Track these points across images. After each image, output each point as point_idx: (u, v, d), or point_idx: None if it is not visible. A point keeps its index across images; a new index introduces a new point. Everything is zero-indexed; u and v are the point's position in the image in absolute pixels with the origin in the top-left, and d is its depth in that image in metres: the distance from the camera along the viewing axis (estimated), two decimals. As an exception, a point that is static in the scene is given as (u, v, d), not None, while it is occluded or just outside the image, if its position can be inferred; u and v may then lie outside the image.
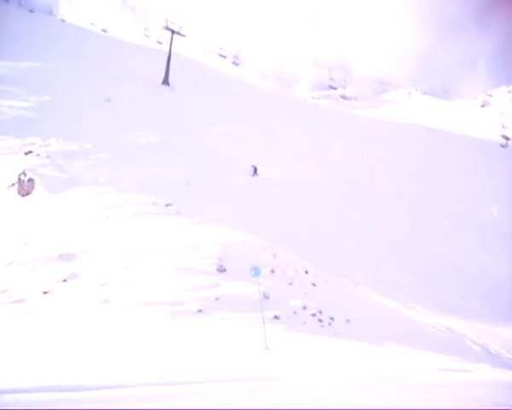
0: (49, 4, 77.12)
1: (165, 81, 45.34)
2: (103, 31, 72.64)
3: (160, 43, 67.40)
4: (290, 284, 14.95)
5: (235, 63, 62.00)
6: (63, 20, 71.61)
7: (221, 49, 59.27)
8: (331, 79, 67.29)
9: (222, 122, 34.93)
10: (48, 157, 23.76)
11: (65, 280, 13.63)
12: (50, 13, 75.61)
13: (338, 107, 60.38)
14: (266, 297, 13.29)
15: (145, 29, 70.37)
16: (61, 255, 14.74)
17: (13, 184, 20.69)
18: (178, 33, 48.63)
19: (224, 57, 59.34)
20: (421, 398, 6.94)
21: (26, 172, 20.46)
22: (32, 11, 71.22)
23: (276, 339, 11.12)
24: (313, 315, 13.56)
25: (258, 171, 28.49)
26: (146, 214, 17.51)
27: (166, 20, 48.61)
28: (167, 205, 18.96)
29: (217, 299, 13.06)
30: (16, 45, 49.21)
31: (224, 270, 14.30)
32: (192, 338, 10.86)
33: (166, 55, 46.73)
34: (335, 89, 69.60)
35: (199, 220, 17.69)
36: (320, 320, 13.49)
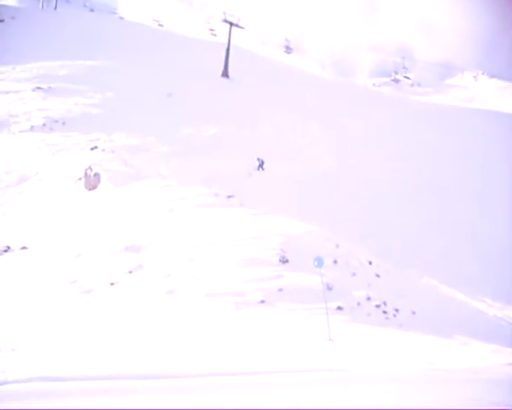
0: (108, 3, 79.14)
1: (225, 74, 45.52)
2: (160, 25, 73.78)
3: (214, 35, 67.85)
4: (353, 274, 14.75)
5: (288, 51, 61.71)
6: (122, 18, 73.26)
7: (286, 40, 59.08)
8: (393, 65, 65.76)
9: (281, 112, 34.75)
10: (112, 152, 24.35)
11: (131, 272, 13.94)
12: (110, 11, 77.57)
13: (400, 93, 58.93)
14: (329, 288, 13.15)
15: (205, 22, 71.02)
16: (126, 247, 15.10)
17: (80, 179, 21.33)
18: (237, 25, 48.73)
19: (289, 50, 59.18)
20: (488, 393, 6.66)
21: (92, 166, 21.05)
22: (92, 10, 73.38)
23: (339, 330, 11.00)
24: (377, 306, 13.33)
25: (264, 165, 26.44)
26: (208, 206, 17.68)
27: (225, 13, 48.80)
28: (229, 197, 19.07)
29: (280, 290, 13.03)
30: (81, 45, 50.68)
31: (287, 261, 14.25)
32: (255, 329, 10.89)
33: (225, 48, 46.93)
34: (397, 75, 68.05)
35: (261, 211, 17.68)
36: (384, 312, 13.25)
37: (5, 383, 6.85)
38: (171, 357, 8.58)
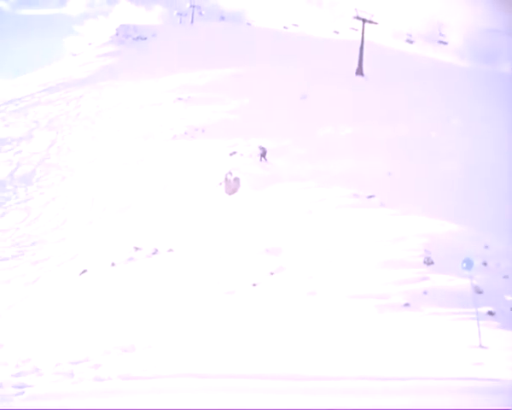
0: (237, 11, 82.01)
1: (359, 72, 44.85)
2: (287, 29, 74.51)
3: (336, 32, 67.06)
4: (505, 277, 13.76)
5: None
6: (249, 24, 75.18)
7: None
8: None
9: (418, 109, 33.51)
10: (250, 156, 25.02)
11: (272, 273, 14.12)
12: (239, 19, 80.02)
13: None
14: (479, 292, 12.34)
15: (334, 22, 70.82)
16: (267, 249, 15.33)
17: (220, 184, 22.15)
18: (370, 21, 47.78)
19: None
20: None
21: (231, 171, 21.77)
22: (222, 19, 76.36)
23: (491, 337, 10.27)
24: (533, 312, 12.31)
25: (267, 156, 24.20)
26: (348, 207, 17.46)
27: (357, 10, 48.04)
28: (369, 197, 18.71)
29: (425, 292, 12.48)
30: (215, 54, 52.79)
31: (432, 262, 13.63)
32: (400, 332, 10.51)
33: (358, 46, 46.21)
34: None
35: (403, 211, 17.12)
36: (542, 318, 12.20)
37: (149, 378, 7.22)
38: (314, 358, 8.52)
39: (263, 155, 24.59)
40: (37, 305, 14.97)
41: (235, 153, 25.84)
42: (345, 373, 7.60)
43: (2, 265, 19.28)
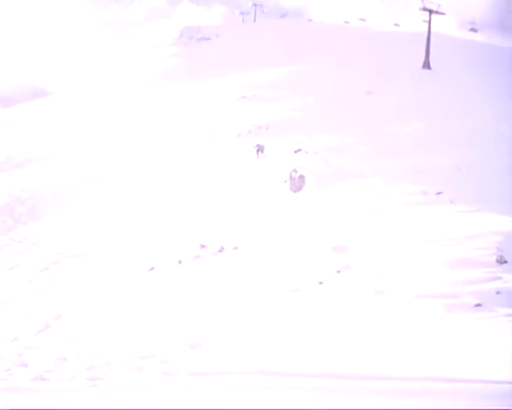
0: (298, 7, 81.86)
1: (426, 64, 43.72)
2: (347, 23, 73.56)
3: (396, 25, 65.50)
4: None
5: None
6: (310, 20, 74.71)
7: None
8: None
9: (487, 102, 32.33)
10: (315, 153, 24.91)
11: (338, 271, 14.03)
12: (301, 15, 79.89)
13: None
14: (557, 293, 11.83)
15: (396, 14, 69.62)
16: (333, 247, 15.25)
17: (285, 182, 22.18)
18: (437, 12, 46.43)
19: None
20: None
21: (296, 169, 21.76)
22: (284, 16, 76.44)
23: None
24: None
25: (264, 151, 25.37)
26: (416, 204, 17.10)
27: (423, 1, 46.75)
28: (438, 193, 18.25)
29: (498, 292, 12.05)
30: (278, 51, 52.85)
31: (505, 261, 13.14)
32: (470, 333, 10.23)
33: (425, 37, 45.00)
34: None
35: (474, 208, 16.60)
36: None
37: (217, 374, 7.33)
38: (382, 357, 8.45)
39: (260, 150, 26.24)
40: (107, 301, 15.47)
41: (299, 150, 25.80)
42: (411, 374, 7.50)
43: (73, 261, 20.07)
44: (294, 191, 21.21)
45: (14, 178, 31.39)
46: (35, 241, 22.80)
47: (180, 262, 17.46)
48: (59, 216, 25.19)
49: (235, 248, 17.64)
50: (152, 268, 17.61)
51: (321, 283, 13.70)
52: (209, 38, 70.80)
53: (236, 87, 43.96)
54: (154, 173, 28.84)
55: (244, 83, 44.85)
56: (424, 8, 46.63)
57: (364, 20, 74.70)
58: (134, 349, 9.68)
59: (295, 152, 25.65)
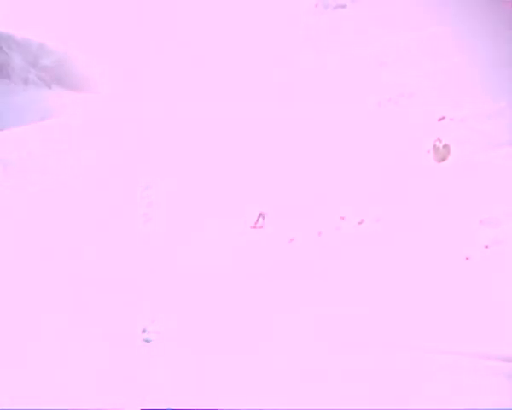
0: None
1: None
2: None
3: None
4: None
5: None
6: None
7: None
8: None
9: None
10: (461, 121, 23.54)
11: (487, 246, 13.33)
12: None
13: None
14: None
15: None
16: (481, 221, 14.47)
17: (428, 152, 21.24)
18: None
19: None
20: None
21: (440, 138, 20.74)
22: None
23: None
24: None
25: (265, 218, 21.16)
26: None
27: None
28: None
29: None
30: (425, 12, 50.26)
31: None
32: None
33: None
34: None
35: None
36: None
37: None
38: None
39: (262, 217, 21.69)
40: (248, 274, 16.01)
41: (443, 118, 24.50)
42: None
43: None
44: (438, 161, 20.27)
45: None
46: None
47: (320, 234, 17.54)
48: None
49: (377, 220, 17.36)
50: (291, 240, 17.88)
51: (467, 258, 13.12)
52: (345, 6, 69.19)
53: (375, 53, 42.69)
54: (290, 142, 29.04)
55: (383, 49, 43.42)
56: None
57: None
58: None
59: (439, 120, 24.39)
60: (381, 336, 8.16)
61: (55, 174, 33.15)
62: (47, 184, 32.30)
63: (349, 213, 18.13)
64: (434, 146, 20.78)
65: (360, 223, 17.44)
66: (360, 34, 50.98)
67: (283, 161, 26.78)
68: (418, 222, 16.09)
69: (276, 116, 33.90)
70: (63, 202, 28.48)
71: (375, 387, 6.54)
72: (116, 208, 24.69)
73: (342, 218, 17.93)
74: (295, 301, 12.09)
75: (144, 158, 31.85)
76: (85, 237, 21.48)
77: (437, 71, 33.45)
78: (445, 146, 20.33)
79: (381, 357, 7.18)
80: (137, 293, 14.74)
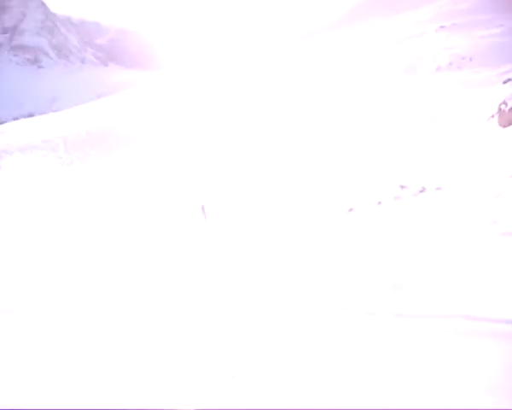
0: None
1: None
2: None
3: None
4: None
5: None
6: None
7: None
8: None
9: None
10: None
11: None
12: None
13: None
14: None
15: None
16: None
17: (493, 116, 20.39)
18: None
19: None
20: None
21: (506, 101, 19.82)
22: None
23: None
24: None
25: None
26: None
27: None
28: None
29: None
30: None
31: None
32: None
33: None
34: None
35: None
36: None
37: (419, 316, 7.04)
38: None
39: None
40: (313, 241, 15.85)
41: (509, 80, 23.44)
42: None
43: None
44: (504, 126, 19.39)
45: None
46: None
47: (380, 203, 17.16)
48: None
49: (438, 188, 16.81)
50: (351, 209, 17.57)
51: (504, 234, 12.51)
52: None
53: (434, 17, 41.24)
54: (350, 109, 28.57)
55: (442, 12, 41.88)
56: None
57: None
58: (335, 288, 9.78)
59: (504, 83, 23.35)
60: (438, 303, 7.91)
61: (113, 150, 33.77)
62: (107, 160, 32.98)
63: (410, 182, 17.65)
64: (499, 110, 19.84)
65: (421, 191, 16.94)
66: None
67: (340, 132, 26.38)
68: (482, 189, 15.49)
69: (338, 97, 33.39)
70: (123, 178, 29.03)
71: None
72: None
73: (403, 187, 17.46)
74: (357, 266, 11.89)
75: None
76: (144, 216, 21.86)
77: (499, 32, 31.98)
78: (511, 110, 19.35)
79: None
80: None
